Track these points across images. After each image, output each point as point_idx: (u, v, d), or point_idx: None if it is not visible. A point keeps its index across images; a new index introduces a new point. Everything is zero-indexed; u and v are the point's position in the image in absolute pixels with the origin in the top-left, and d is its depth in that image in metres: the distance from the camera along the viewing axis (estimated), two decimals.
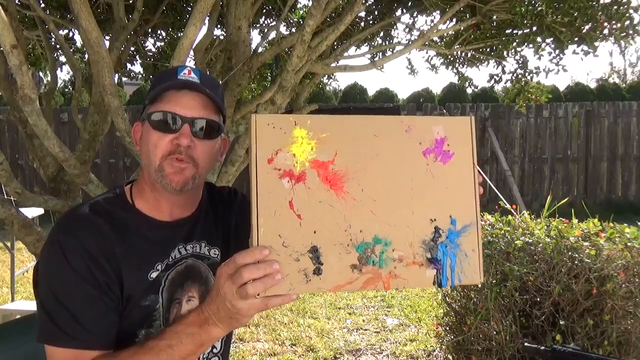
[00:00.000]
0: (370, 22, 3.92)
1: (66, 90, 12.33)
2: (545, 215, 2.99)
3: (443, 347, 3.19)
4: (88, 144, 2.90)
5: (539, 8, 2.97)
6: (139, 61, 4.25)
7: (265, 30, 4.06)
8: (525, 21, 3.02)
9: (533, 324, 2.46)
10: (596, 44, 2.98)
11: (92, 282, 1.01)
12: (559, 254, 2.45)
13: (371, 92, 11.72)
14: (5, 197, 2.71)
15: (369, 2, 3.70)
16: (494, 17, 3.31)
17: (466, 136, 0.97)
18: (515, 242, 2.57)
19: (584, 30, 2.95)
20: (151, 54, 4.37)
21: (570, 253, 2.46)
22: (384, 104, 11.08)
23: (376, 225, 0.91)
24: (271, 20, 4.17)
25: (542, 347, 1.12)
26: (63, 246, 1.01)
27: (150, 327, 1.09)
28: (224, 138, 1.19)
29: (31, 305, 3.66)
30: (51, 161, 2.91)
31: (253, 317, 4.11)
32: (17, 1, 3.10)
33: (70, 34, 3.97)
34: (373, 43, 4.22)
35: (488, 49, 3.64)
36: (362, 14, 3.86)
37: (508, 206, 3.07)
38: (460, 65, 4.07)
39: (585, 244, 2.49)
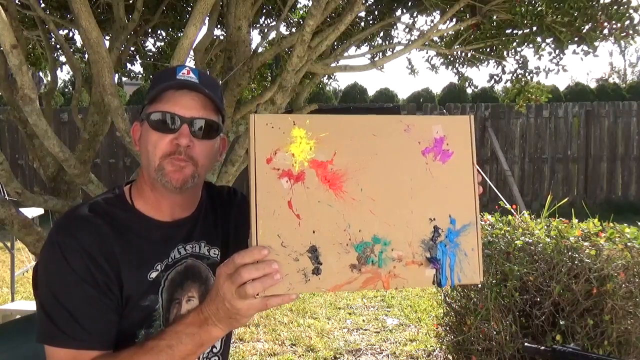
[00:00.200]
0: (370, 22, 3.92)
1: (66, 90, 12.34)
2: (545, 215, 2.99)
3: (443, 347, 3.19)
4: (88, 144, 2.90)
5: (539, 8, 2.97)
6: (139, 61, 4.25)
7: (265, 30, 4.06)
8: (525, 21, 3.02)
9: (533, 324, 2.46)
10: (596, 44, 2.98)
11: (91, 283, 1.01)
12: (559, 254, 2.45)
13: (371, 92, 11.73)
14: (6, 197, 2.71)
15: (369, 2, 3.71)
16: (494, 17, 3.31)
17: (465, 135, 0.97)
18: (515, 242, 2.57)
19: (584, 30, 2.95)
20: (151, 54, 4.37)
21: (570, 253, 2.46)
22: (384, 104, 11.09)
23: (375, 225, 0.91)
24: (271, 20, 4.17)
25: (542, 347, 1.13)
26: (62, 247, 1.01)
27: (150, 328, 1.09)
28: (222, 138, 1.19)
29: (31, 305, 3.66)
30: (51, 161, 2.91)
31: (253, 317, 4.11)
32: (17, 1, 3.10)
33: (70, 34, 3.98)
34: (373, 43, 4.23)
35: (488, 49, 3.64)
36: (362, 14, 3.86)
37: (508, 206, 3.07)
38: (460, 65, 4.07)
39: (585, 244, 2.49)
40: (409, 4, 3.72)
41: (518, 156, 9.51)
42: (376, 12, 3.86)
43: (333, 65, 3.61)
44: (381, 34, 4.16)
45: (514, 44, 3.45)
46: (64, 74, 17.33)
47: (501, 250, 2.58)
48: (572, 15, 2.87)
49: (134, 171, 3.04)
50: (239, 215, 1.25)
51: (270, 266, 0.83)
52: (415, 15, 3.87)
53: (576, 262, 2.42)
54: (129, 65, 4.22)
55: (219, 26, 3.78)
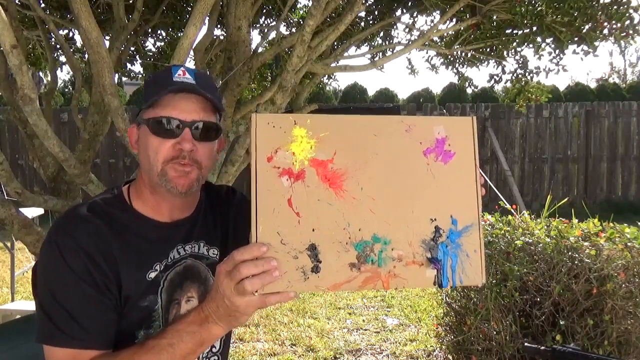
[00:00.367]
0: (370, 22, 3.92)
1: (66, 90, 12.33)
2: (545, 215, 2.99)
3: (443, 347, 3.19)
4: (88, 144, 2.90)
5: (539, 8, 2.97)
6: (139, 61, 4.26)
7: (265, 30, 4.06)
8: (525, 21, 3.02)
9: (533, 324, 2.46)
10: (596, 44, 2.98)
11: (90, 282, 1.01)
12: (559, 254, 2.45)
13: (371, 92, 11.73)
14: (6, 197, 2.71)
15: (369, 2, 3.71)
16: (494, 17, 3.31)
17: (468, 136, 0.96)
18: (515, 242, 2.57)
19: (584, 30, 2.95)
20: (151, 54, 4.37)
21: (570, 253, 2.46)
22: (384, 104, 11.09)
23: (375, 224, 0.90)
24: (271, 20, 4.17)
25: (542, 347, 1.13)
26: (61, 246, 1.01)
27: (150, 328, 1.09)
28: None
29: (31, 305, 3.65)
30: (51, 161, 2.91)
31: (253, 317, 4.11)
32: (17, 1, 3.10)
33: (70, 34, 3.98)
34: (373, 43, 4.23)
35: (488, 49, 3.64)
36: (362, 14, 3.86)
37: (508, 206, 3.09)
38: (460, 65, 4.07)
39: (585, 244, 2.49)
40: (409, 4, 3.72)
41: (518, 156, 9.51)
42: (376, 12, 3.86)
43: (333, 65, 3.61)
44: (381, 34, 4.16)
45: (514, 44, 3.45)
46: (64, 74, 17.34)
47: (501, 250, 2.58)
48: (572, 15, 2.87)
49: (134, 171, 3.04)
50: (238, 215, 1.25)
51: (269, 263, 0.84)
52: (415, 15, 3.87)
53: (576, 262, 2.42)
54: (129, 65, 4.22)
55: (219, 26, 3.78)
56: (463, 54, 3.92)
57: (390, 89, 11.58)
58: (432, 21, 3.83)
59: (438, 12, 3.54)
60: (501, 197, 3.69)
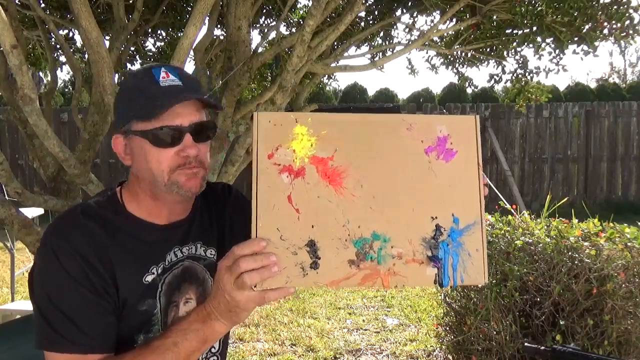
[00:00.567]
0: (370, 22, 3.92)
1: (66, 90, 12.33)
2: (545, 215, 2.99)
3: (443, 347, 3.19)
4: (88, 144, 2.90)
5: (539, 8, 2.97)
6: (139, 61, 4.26)
7: (265, 30, 4.07)
8: (525, 21, 3.02)
9: (533, 324, 2.46)
10: (596, 44, 2.98)
11: (87, 286, 1.00)
12: (559, 254, 2.45)
13: (371, 92, 11.73)
14: (6, 197, 2.71)
15: (369, 2, 3.71)
16: (494, 17, 3.31)
17: (470, 135, 0.96)
18: (515, 242, 2.57)
19: (584, 30, 2.95)
20: (151, 54, 4.38)
21: (570, 253, 2.46)
22: (384, 104, 11.09)
23: (375, 222, 0.90)
24: (271, 20, 4.18)
25: (542, 347, 1.13)
26: (56, 251, 1.00)
27: (149, 332, 1.09)
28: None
29: (31, 305, 3.65)
30: (51, 161, 2.91)
31: (253, 317, 4.11)
32: (17, 1, 3.10)
33: (70, 34, 3.98)
34: (373, 43, 4.23)
35: (488, 49, 3.65)
36: (362, 14, 3.86)
37: (508, 206, 3.09)
38: (460, 65, 4.07)
39: (585, 244, 2.49)
40: (409, 4, 3.72)
41: (518, 156, 9.51)
42: (376, 12, 3.86)
43: (333, 65, 3.61)
44: (381, 34, 4.16)
45: (514, 44, 3.45)
46: (64, 74, 17.32)
47: (501, 250, 2.58)
48: (572, 15, 2.87)
49: None
50: (234, 214, 1.23)
51: (268, 258, 0.85)
52: (415, 15, 3.87)
53: (576, 262, 2.42)
54: (129, 65, 4.22)
55: (219, 26, 3.78)
56: (463, 54, 3.92)
57: (390, 89, 11.59)
58: (432, 21, 3.83)
59: (438, 12, 3.55)
60: (501, 197, 3.69)
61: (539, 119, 9.49)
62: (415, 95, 11.39)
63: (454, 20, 3.59)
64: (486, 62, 3.85)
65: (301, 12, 4.32)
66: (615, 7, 2.88)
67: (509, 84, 3.95)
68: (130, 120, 1.05)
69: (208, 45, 3.37)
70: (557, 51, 3.26)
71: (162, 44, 4.38)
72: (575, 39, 3.03)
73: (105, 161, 9.22)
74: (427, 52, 4.07)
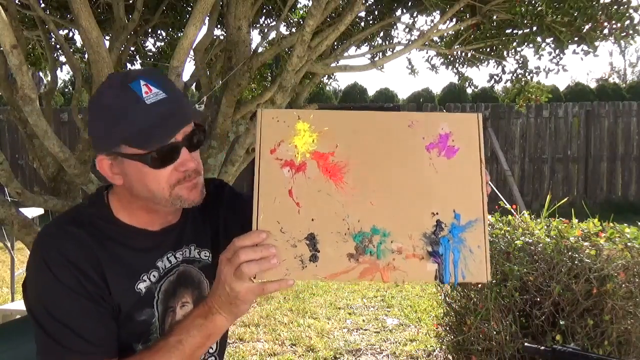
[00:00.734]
0: (370, 22, 3.92)
1: (66, 90, 12.33)
2: (545, 215, 2.99)
3: (443, 347, 3.19)
4: (88, 144, 2.90)
5: (539, 8, 2.97)
6: (139, 61, 4.26)
7: (265, 30, 4.07)
8: (525, 21, 3.02)
9: (533, 324, 2.46)
10: (596, 44, 2.98)
11: (84, 294, 0.99)
12: (559, 254, 2.45)
13: (371, 92, 11.73)
14: (7, 197, 2.71)
15: (369, 2, 3.71)
16: (494, 17, 3.31)
17: (473, 133, 0.96)
18: (515, 242, 2.57)
19: (584, 30, 2.95)
20: (151, 54, 4.38)
21: (570, 253, 2.46)
22: (384, 103, 11.09)
23: (375, 216, 0.91)
24: (271, 20, 4.18)
25: (542, 347, 1.12)
26: (49, 263, 0.98)
27: (148, 341, 1.08)
28: None
29: None
30: (51, 161, 2.91)
31: (253, 317, 4.11)
32: (17, 1, 3.10)
33: (70, 34, 3.98)
34: (373, 43, 4.23)
35: (488, 49, 3.65)
36: (362, 14, 3.86)
37: (508, 206, 3.09)
38: (460, 65, 4.07)
39: (585, 244, 2.50)
40: (409, 4, 3.72)
41: (518, 156, 9.51)
42: (376, 12, 3.86)
43: (333, 65, 3.61)
44: (381, 34, 4.16)
45: (514, 44, 3.45)
46: (64, 74, 17.32)
47: (501, 250, 2.58)
48: (572, 15, 2.87)
49: None
50: (228, 212, 1.21)
51: (268, 250, 0.86)
52: (415, 15, 3.87)
53: (576, 262, 2.42)
54: (129, 65, 4.22)
55: (219, 26, 3.78)
56: (463, 54, 3.92)
57: (390, 89, 11.59)
58: (432, 21, 3.83)
59: (438, 12, 3.54)
60: (501, 197, 3.69)
61: (539, 119, 9.49)
62: (415, 95, 11.39)
63: (454, 20, 3.59)
64: (486, 62, 3.85)
65: (301, 12, 4.32)
66: (615, 7, 2.88)
67: (509, 84, 3.94)
68: (119, 144, 0.99)
69: (208, 45, 3.38)
70: (557, 51, 3.26)
71: (162, 44, 4.38)
72: (575, 39, 3.03)
73: None
74: (427, 52, 4.07)
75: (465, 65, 4.04)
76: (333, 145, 0.93)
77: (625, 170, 9.57)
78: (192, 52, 3.05)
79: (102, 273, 1.01)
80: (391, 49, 3.96)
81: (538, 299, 2.47)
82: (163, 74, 1.22)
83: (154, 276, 1.09)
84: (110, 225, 1.06)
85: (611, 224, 2.68)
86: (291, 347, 3.66)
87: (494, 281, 2.53)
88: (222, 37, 3.80)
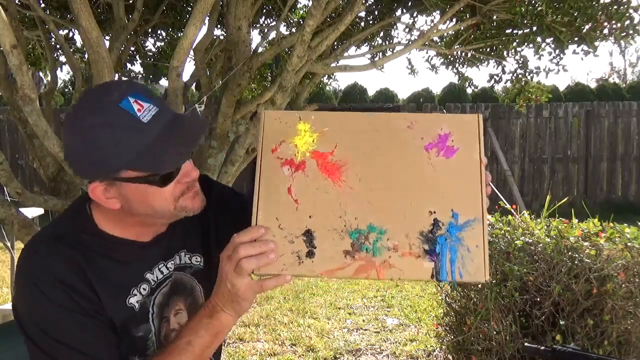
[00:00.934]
0: (370, 22, 3.92)
1: (66, 90, 12.32)
2: (545, 215, 2.99)
3: (443, 347, 3.19)
4: None
5: (539, 8, 2.97)
6: (139, 61, 4.26)
7: (265, 30, 4.07)
8: (525, 21, 3.02)
9: (533, 324, 2.46)
10: (596, 44, 2.98)
11: (79, 311, 0.96)
12: (559, 254, 2.45)
13: (371, 92, 11.72)
14: (7, 197, 2.71)
15: (369, 2, 3.71)
16: (494, 17, 3.31)
17: (473, 133, 0.96)
18: (515, 242, 2.57)
19: (584, 30, 2.95)
20: (151, 54, 4.38)
21: (570, 253, 2.46)
22: (384, 104, 11.09)
23: (372, 214, 0.92)
24: (271, 20, 4.18)
25: (542, 347, 1.12)
26: (39, 284, 0.95)
27: (145, 356, 1.07)
28: None
29: None
30: (51, 161, 2.91)
31: (253, 317, 4.11)
32: (17, 1, 3.10)
33: (70, 34, 3.98)
34: (373, 43, 4.23)
35: (488, 49, 3.65)
36: (362, 14, 3.86)
37: (508, 206, 3.08)
38: (460, 65, 4.07)
39: (585, 244, 2.49)
40: (409, 4, 3.72)
41: (518, 156, 9.51)
42: (376, 12, 3.86)
43: (333, 65, 3.61)
44: (381, 34, 4.16)
45: (514, 44, 3.45)
46: (64, 74, 17.30)
47: (501, 250, 2.58)
48: (572, 15, 2.87)
49: None
50: (218, 214, 1.17)
51: (266, 245, 0.88)
52: (415, 15, 3.87)
53: (576, 262, 2.42)
54: (129, 65, 4.22)
55: (219, 26, 3.78)
56: (463, 54, 3.92)
57: (390, 89, 11.58)
58: (432, 21, 3.83)
59: (438, 12, 3.54)
60: (501, 197, 3.69)
61: (539, 119, 9.49)
62: (415, 95, 11.38)
63: (454, 20, 3.59)
64: (486, 62, 3.85)
65: (301, 12, 4.32)
66: (615, 7, 2.88)
67: (509, 84, 3.95)
68: (119, 171, 0.93)
69: (208, 45, 3.38)
70: (557, 51, 3.26)
71: (162, 44, 4.38)
72: (575, 39, 3.03)
73: None
74: (427, 52, 4.07)
75: (465, 65, 4.04)
76: (332, 145, 0.95)
77: (625, 170, 9.57)
78: (192, 52, 3.05)
79: (91, 286, 0.99)
80: (391, 49, 3.96)
81: (538, 299, 2.47)
82: (137, 82, 1.19)
83: (144, 289, 1.06)
84: (94, 238, 1.03)
85: (611, 224, 2.68)
86: (291, 347, 3.66)
87: (494, 281, 2.53)
88: (222, 37, 3.80)
